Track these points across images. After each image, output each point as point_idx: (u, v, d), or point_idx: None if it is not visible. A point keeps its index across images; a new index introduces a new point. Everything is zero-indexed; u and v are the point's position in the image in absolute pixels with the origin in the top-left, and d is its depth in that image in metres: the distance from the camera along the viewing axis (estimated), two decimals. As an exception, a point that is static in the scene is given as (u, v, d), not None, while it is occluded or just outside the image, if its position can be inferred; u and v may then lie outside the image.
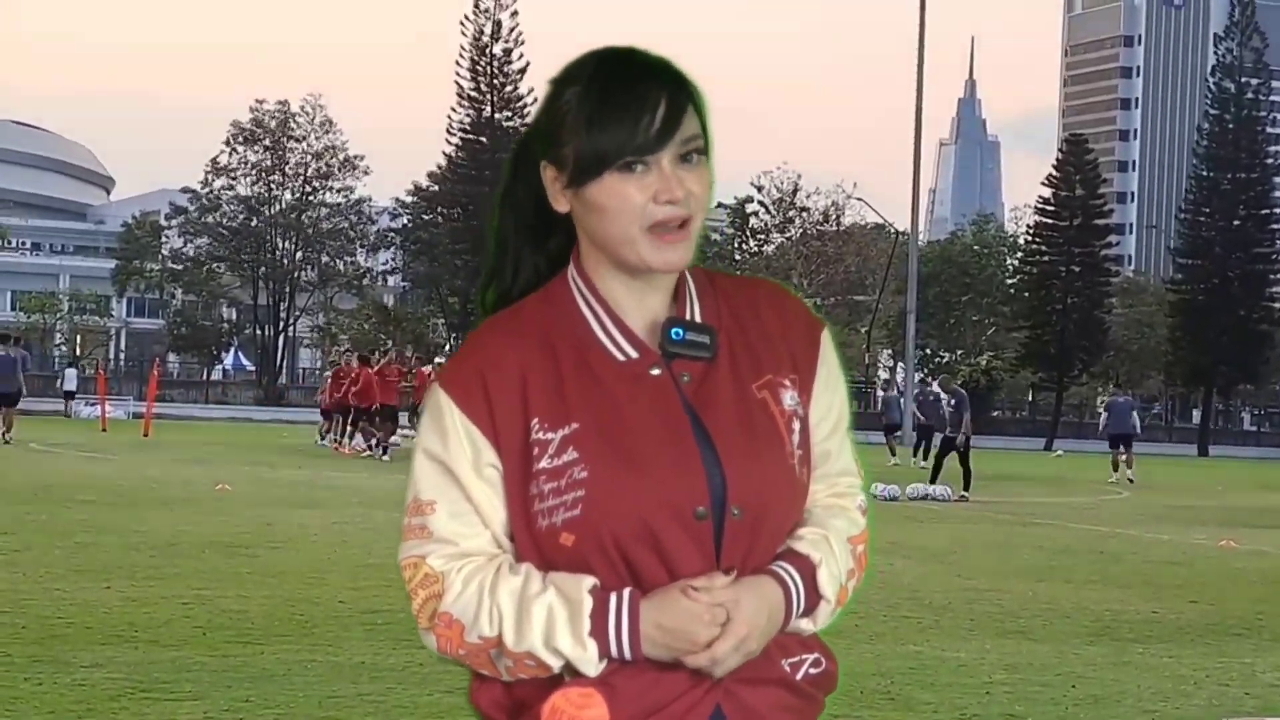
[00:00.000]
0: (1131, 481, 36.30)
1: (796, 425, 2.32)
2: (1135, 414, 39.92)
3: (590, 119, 2.23)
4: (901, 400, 50.73)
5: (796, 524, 2.32)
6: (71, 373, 61.04)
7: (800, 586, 2.26)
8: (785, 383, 2.33)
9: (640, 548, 2.18)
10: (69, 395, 56.26)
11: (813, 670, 2.33)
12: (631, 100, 2.23)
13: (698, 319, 2.31)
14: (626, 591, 2.17)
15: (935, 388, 41.30)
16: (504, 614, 2.18)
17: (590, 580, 2.18)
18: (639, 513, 2.18)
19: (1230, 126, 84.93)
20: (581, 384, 2.25)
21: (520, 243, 2.40)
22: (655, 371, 2.27)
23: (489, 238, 2.44)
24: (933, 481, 27.71)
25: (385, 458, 32.44)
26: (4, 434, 33.08)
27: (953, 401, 29.97)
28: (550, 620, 2.17)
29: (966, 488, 27.18)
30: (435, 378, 2.32)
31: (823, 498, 2.37)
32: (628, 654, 2.17)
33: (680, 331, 2.27)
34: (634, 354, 2.28)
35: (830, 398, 2.40)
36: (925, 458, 38.41)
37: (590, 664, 2.17)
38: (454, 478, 2.25)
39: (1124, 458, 37.87)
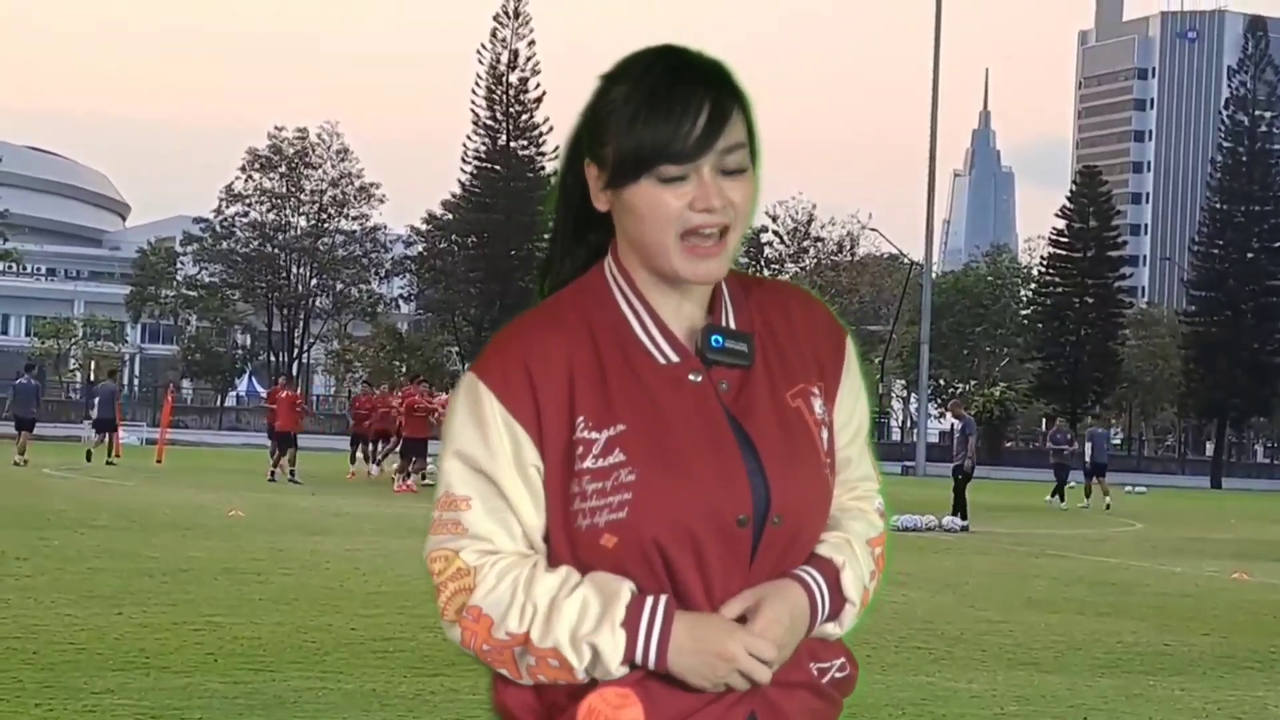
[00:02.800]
0: (1085, 508, 38.12)
1: (825, 433, 2.33)
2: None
3: (631, 122, 2.20)
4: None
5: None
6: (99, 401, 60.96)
7: (824, 589, 2.27)
8: (814, 390, 2.34)
9: (680, 552, 2.17)
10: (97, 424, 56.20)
11: (838, 675, 2.36)
12: (674, 105, 2.19)
13: (733, 326, 2.31)
14: (664, 596, 2.17)
15: (1061, 426, 43.48)
16: (538, 610, 2.16)
17: (630, 582, 2.17)
18: (683, 518, 2.17)
19: (1244, 159, 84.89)
20: (626, 384, 2.23)
21: (568, 234, 2.38)
22: (694, 377, 2.26)
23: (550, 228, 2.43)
24: (955, 514, 27.55)
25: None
26: (20, 456, 34.38)
27: (960, 426, 29.85)
28: (583, 612, 2.15)
29: (955, 515, 27.32)
30: (471, 368, 2.28)
31: (843, 501, 2.39)
32: (653, 655, 2.15)
33: (720, 339, 2.26)
34: (675, 358, 2.27)
35: (853, 405, 2.42)
36: (1062, 497, 39.15)
37: (615, 654, 2.14)
38: (491, 473, 2.22)
39: (1100, 485, 39.56)
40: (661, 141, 2.19)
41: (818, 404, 2.33)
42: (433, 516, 2.27)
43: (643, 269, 2.28)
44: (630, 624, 2.14)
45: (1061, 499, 39.28)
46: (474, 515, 2.22)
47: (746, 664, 2.15)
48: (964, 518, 27.36)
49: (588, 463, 2.19)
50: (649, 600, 2.16)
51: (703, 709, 2.20)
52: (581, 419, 2.21)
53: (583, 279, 2.34)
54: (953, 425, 31.24)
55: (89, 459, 36.71)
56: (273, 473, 33.53)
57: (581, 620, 2.15)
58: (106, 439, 38.38)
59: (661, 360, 2.26)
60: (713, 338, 2.26)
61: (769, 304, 2.37)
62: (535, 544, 2.24)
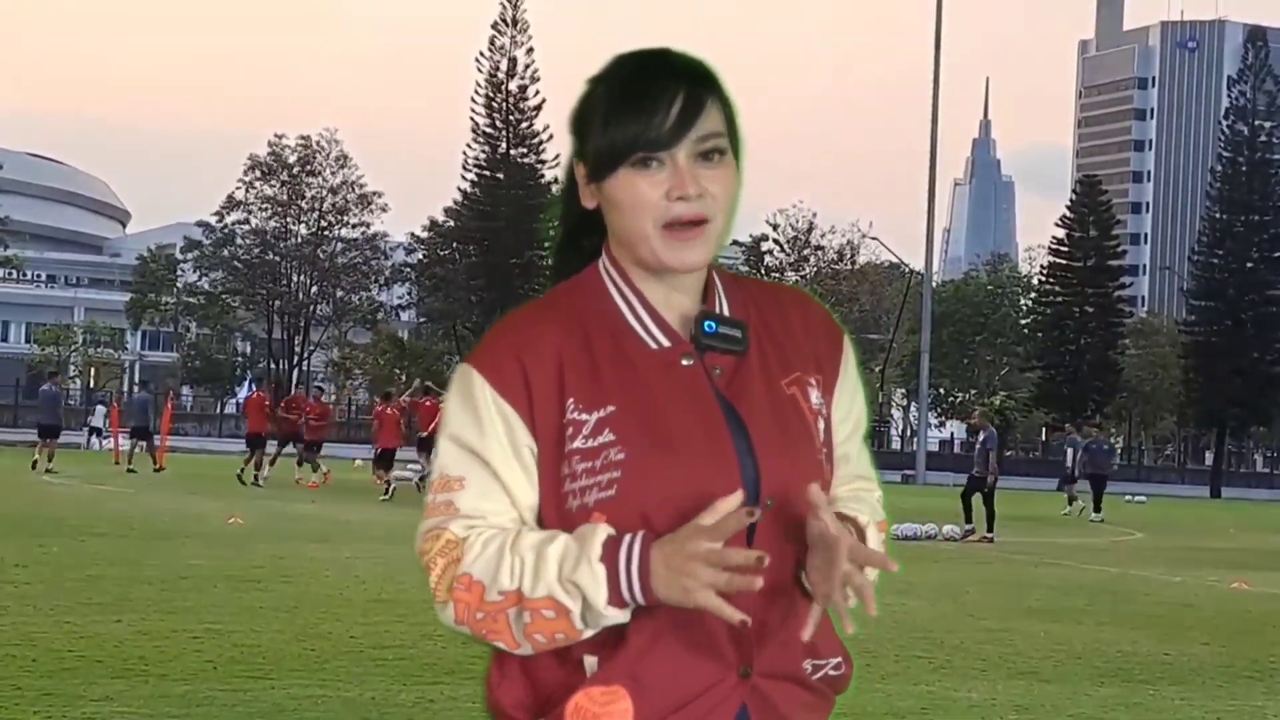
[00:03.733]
0: (1067, 515, 38.45)
1: (821, 424, 2.35)
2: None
3: (607, 114, 2.26)
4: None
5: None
6: (100, 409, 60.99)
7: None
8: (811, 381, 2.36)
9: (670, 531, 2.16)
10: (96, 431, 56.23)
11: (833, 672, 2.36)
12: (647, 96, 2.24)
13: (727, 314, 2.33)
14: (642, 531, 2.16)
15: (1082, 436, 41.04)
16: (524, 563, 2.17)
17: (610, 528, 2.17)
18: (673, 496, 2.18)
19: (1244, 169, 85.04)
20: (617, 367, 2.26)
21: (564, 238, 2.44)
22: (687, 361, 2.28)
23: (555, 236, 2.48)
24: (967, 521, 27.44)
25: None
26: (46, 465, 35.30)
27: (982, 436, 29.56)
28: (564, 554, 2.15)
29: (990, 529, 27.04)
30: (465, 360, 2.32)
31: (843, 490, 2.40)
32: (636, 586, 2.13)
33: (713, 324, 2.29)
34: (666, 342, 2.29)
35: (850, 402, 2.44)
36: (1097, 509, 37.35)
37: (598, 591, 2.13)
38: (483, 455, 2.25)
39: (1069, 491, 40.17)
40: (635, 130, 2.23)
41: (815, 394, 2.36)
42: (427, 501, 2.30)
43: (632, 261, 2.31)
44: (609, 558, 2.14)
45: (1097, 510, 37.42)
46: (466, 495, 2.25)
47: (712, 553, 2.09)
48: (990, 529, 27.15)
49: (577, 443, 2.22)
50: (627, 536, 2.16)
51: (694, 700, 2.20)
52: (572, 401, 2.24)
53: (577, 276, 2.38)
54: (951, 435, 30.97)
55: (129, 468, 37.28)
56: (256, 477, 34.32)
57: (563, 562, 2.15)
58: (143, 447, 39.43)
59: (653, 345, 2.29)
60: (706, 323, 2.29)
61: (764, 300, 2.40)
62: (529, 524, 2.26)
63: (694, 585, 2.11)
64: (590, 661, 2.22)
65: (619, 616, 2.16)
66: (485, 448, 2.25)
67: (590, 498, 2.20)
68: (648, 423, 2.22)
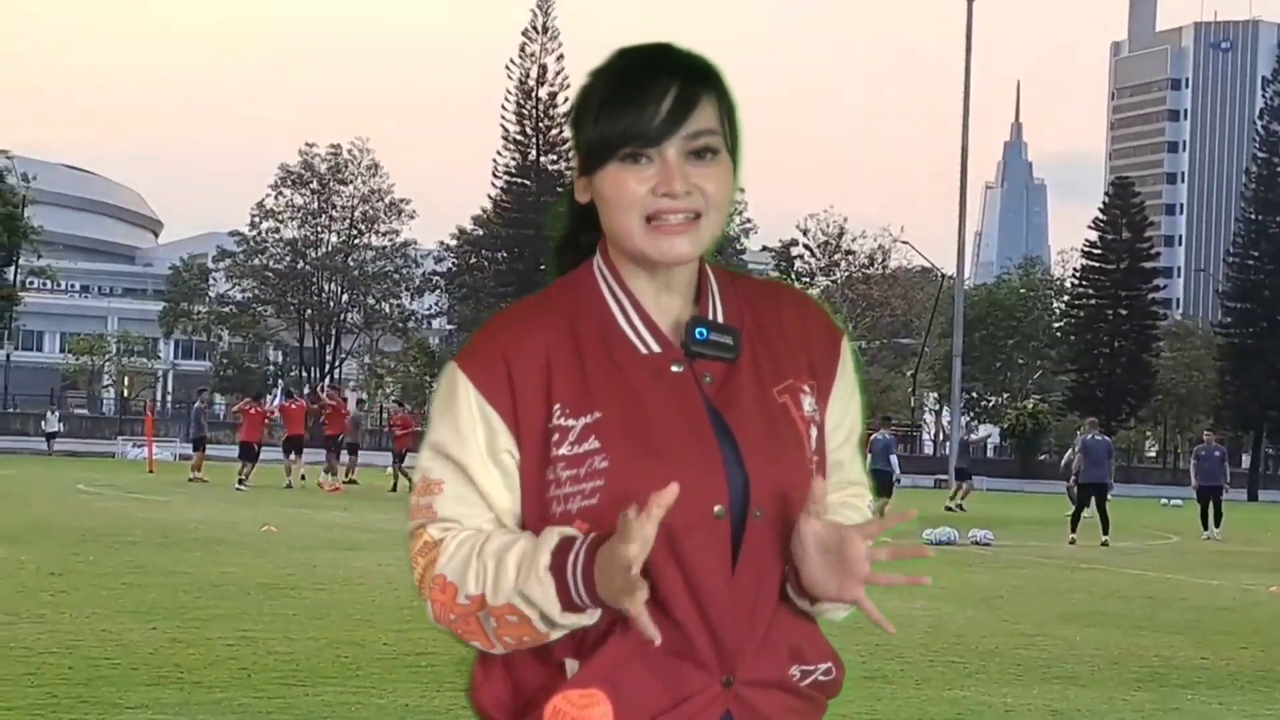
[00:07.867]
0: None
1: (814, 431, 2.32)
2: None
3: (599, 108, 2.25)
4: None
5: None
6: (53, 416, 58.90)
7: None
8: (804, 388, 2.33)
9: (655, 542, 2.12)
10: (50, 437, 55.03)
11: (823, 678, 2.34)
12: (639, 91, 2.23)
13: (720, 319, 2.31)
14: (592, 534, 2.15)
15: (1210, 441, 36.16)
16: (487, 570, 2.18)
17: (568, 530, 2.17)
18: None
19: (1278, 169, 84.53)
20: (605, 372, 2.25)
21: (566, 234, 2.43)
22: (676, 368, 2.26)
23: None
24: (1105, 532, 27.32)
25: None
26: (192, 474, 38.32)
27: (1099, 442, 29.42)
28: (520, 562, 2.16)
29: (1105, 531, 27.34)
30: (455, 357, 2.32)
31: (834, 497, 2.37)
32: (584, 592, 2.12)
33: (704, 331, 2.26)
34: (656, 348, 2.27)
35: (845, 407, 2.41)
36: (1213, 524, 32.41)
37: (550, 601, 2.13)
38: (461, 460, 2.25)
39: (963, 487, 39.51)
40: (625, 124, 2.22)
41: (808, 401, 2.33)
42: (410, 503, 2.31)
43: (624, 259, 2.30)
44: (557, 568, 2.14)
45: (1216, 525, 32.50)
46: (445, 500, 2.25)
47: (637, 552, 2.05)
48: (1105, 531, 27.31)
49: (563, 449, 2.21)
50: (576, 541, 2.15)
51: (675, 708, 2.19)
52: (559, 406, 2.22)
53: (572, 273, 2.37)
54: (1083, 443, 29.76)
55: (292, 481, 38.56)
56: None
57: (520, 571, 2.16)
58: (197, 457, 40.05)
59: (643, 350, 2.27)
60: (697, 330, 2.27)
61: (759, 300, 2.37)
62: (509, 528, 2.25)
63: (623, 586, 2.08)
64: (571, 665, 2.21)
65: (582, 620, 2.15)
66: (464, 453, 2.24)
67: (574, 505, 2.20)
68: (633, 430, 2.20)
